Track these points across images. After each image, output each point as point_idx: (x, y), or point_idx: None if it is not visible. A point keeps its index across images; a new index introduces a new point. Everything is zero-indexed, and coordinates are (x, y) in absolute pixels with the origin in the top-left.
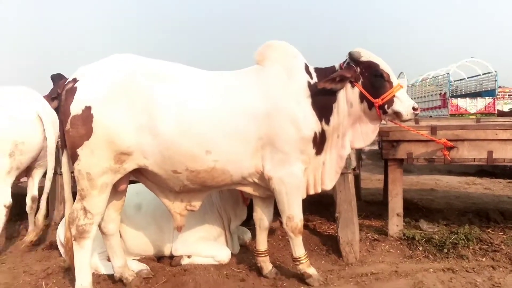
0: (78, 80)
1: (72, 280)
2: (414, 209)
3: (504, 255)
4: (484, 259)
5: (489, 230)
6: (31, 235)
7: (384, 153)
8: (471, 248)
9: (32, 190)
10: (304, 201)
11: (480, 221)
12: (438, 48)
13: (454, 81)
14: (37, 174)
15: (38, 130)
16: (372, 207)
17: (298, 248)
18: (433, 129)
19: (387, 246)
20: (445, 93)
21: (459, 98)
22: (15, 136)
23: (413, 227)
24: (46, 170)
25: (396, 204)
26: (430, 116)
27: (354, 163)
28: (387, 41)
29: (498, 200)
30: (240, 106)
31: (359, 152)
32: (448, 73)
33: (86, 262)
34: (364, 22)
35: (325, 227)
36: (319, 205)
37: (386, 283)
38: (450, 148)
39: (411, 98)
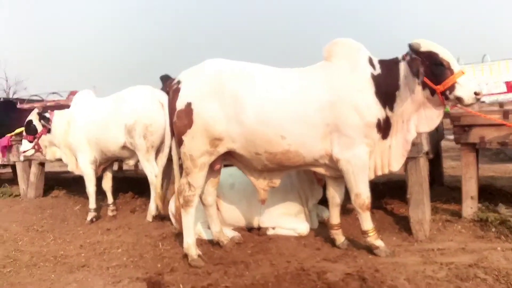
0: (181, 82)
1: (180, 241)
2: (498, 195)
3: None
4: None
5: None
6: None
7: (456, 138)
8: None
9: (155, 170)
10: (383, 185)
11: None
12: None
13: None
14: (160, 156)
15: (162, 116)
16: (454, 192)
17: (366, 222)
18: (506, 113)
19: (459, 226)
20: None
21: None
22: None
23: (491, 210)
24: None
25: (470, 187)
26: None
27: (426, 148)
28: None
29: None
30: (309, 98)
31: (438, 137)
32: None
33: (191, 225)
34: None
35: (402, 210)
36: (399, 190)
37: (449, 257)
38: None
39: None
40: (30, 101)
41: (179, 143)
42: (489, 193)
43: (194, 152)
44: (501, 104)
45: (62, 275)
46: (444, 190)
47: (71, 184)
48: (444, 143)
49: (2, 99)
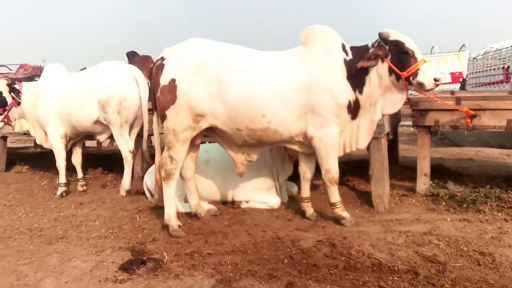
0: (165, 59)
1: (157, 214)
2: (446, 174)
3: None
4: (499, 214)
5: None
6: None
7: (414, 121)
8: (488, 204)
9: (129, 145)
10: (348, 164)
11: (507, 185)
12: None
13: None
14: (133, 132)
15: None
16: (408, 171)
17: (334, 195)
18: (458, 100)
19: (414, 200)
20: (508, 67)
21: None
22: (120, 95)
23: (441, 187)
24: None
25: (424, 166)
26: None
27: (387, 129)
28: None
29: None
30: (288, 80)
31: (396, 121)
32: None
33: (172, 197)
34: None
35: (363, 186)
36: (361, 169)
37: (406, 226)
38: (472, 117)
39: (473, 72)
40: None
41: (162, 118)
42: (438, 172)
43: (177, 127)
44: (452, 92)
45: (41, 246)
46: (399, 169)
47: (33, 159)
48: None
49: None
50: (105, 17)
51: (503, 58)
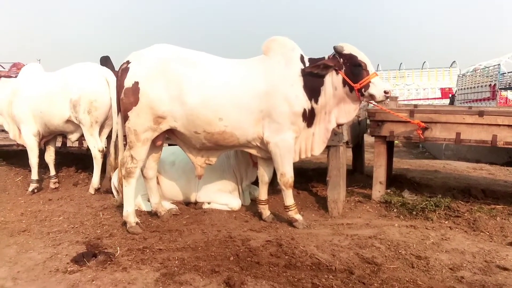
0: (130, 62)
1: (121, 212)
2: (406, 183)
3: (465, 220)
4: (446, 222)
5: (463, 202)
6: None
7: (371, 131)
8: (437, 212)
9: (98, 145)
10: (312, 171)
11: (462, 196)
12: (497, 37)
13: (508, 72)
14: (104, 132)
15: (107, 92)
16: (372, 180)
17: (289, 198)
18: (411, 112)
19: (367, 207)
20: (494, 85)
21: (509, 91)
22: (91, 95)
23: (396, 195)
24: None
25: (379, 174)
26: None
27: (346, 138)
28: (440, 30)
29: (493, 183)
30: (247, 86)
31: (360, 131)
32: (499, 64)
33: (131, 195)
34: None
35: (324, 192)
36: (325, 176)
37: (355, 230)
38: (424, 129)
39: (462, 89)
40: None
41: (125, 118)
42: (399, 181)
43: (138, 127)
44: (415, 105)
45: (2, 238)
46: (363, 178)
47: (12, 156)
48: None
49: None
50: (105, 17)
51: (490, 76)
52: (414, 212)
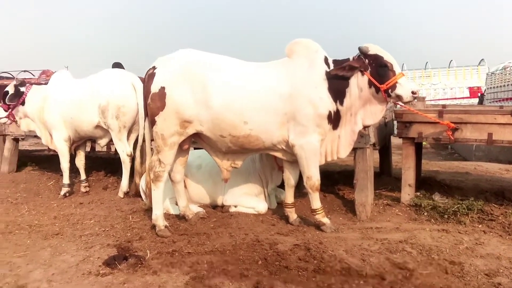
0: (156, 68)
1: (149, 215)
2: (435, 186)
3: (500, 224)
4: (480, 226)
5: (496, 205)
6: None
7: (399, 132)
8: (470, 216)
9: (127, 149)
10: (338, 174)
11: (495, 199)
12: None
13: None
14: (132, 137)
15: (134, 98)
16: (400, 182)
17: (315, 201)
18: (440, 113)
19: (396, 210)
20: None
21: None
22: (118, 101)
23: (426, 198)
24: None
25: (408, 176)
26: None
27: (373, 140)
28: (467, 27)
29: None
30: (271, 89)
31: (387, 132)
32: None
33: (160, 198)
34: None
35: (351, 195)
36: (351, 179)
37: (384, 234)
38: (454, 130)
39: (491, 87)
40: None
41: (152, 123)
42: (428, 184)
43: (165, 132)
44: (443, 106)
45: (37, 241)
46: (391, 180)
47: (44, 161)
48: (397, 141)
49: None
50: (105, 16)
51: None
52: (446, 216)
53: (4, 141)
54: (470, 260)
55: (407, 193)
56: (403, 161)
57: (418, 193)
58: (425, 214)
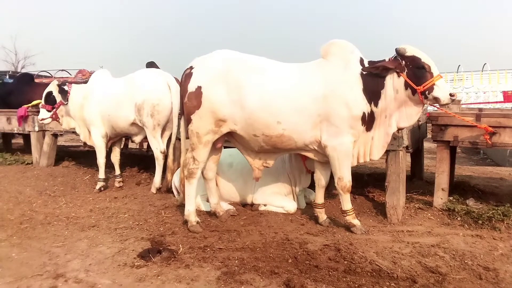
0: (193, 68)
1: (181, 211)
2: (469, 191)
3: None
4: None
5: None
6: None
7: (433, 136)
8: (505, 222)
9: (161, 147)
10: (368, 176)
11: None
12: None
13: None
14: (165, 134)
15: (169, 96)
16: (431, 186)
17: (346, 203)
18: (478, 116)
19: (429, 214)
20: None
21: None
22: (154, 100)
23: (460, 203)
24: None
25: (442, 180)
26: None
27: (406, 142)
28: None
29: None
30: (305, 90)
31: (420, 135)
32: None
33: (193, 195)
34: None
35: (381, 198)
36: (381, 181)
37: (416, 238)
38: (491, 134)
39: None
40: (39, 76)
41: (188, 121)
42: (462, 189)
43: (201, 130)
44: (480, 109)
45: (74, 232)
46: (423, 184)
47: (80, 156)
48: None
49: (20, 73)
50: (105, 16)
51: None
52: (480, 221)
53: (43, 137)
54: (505, 266)
55: (440, 197)
56: (437, 165)
57: (451, 198)
58: (459, 219)
